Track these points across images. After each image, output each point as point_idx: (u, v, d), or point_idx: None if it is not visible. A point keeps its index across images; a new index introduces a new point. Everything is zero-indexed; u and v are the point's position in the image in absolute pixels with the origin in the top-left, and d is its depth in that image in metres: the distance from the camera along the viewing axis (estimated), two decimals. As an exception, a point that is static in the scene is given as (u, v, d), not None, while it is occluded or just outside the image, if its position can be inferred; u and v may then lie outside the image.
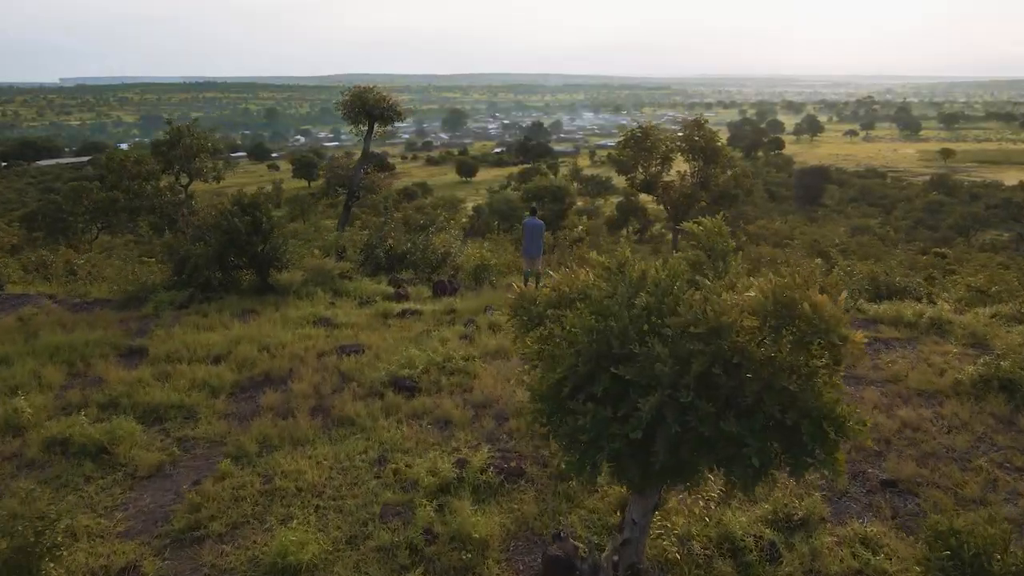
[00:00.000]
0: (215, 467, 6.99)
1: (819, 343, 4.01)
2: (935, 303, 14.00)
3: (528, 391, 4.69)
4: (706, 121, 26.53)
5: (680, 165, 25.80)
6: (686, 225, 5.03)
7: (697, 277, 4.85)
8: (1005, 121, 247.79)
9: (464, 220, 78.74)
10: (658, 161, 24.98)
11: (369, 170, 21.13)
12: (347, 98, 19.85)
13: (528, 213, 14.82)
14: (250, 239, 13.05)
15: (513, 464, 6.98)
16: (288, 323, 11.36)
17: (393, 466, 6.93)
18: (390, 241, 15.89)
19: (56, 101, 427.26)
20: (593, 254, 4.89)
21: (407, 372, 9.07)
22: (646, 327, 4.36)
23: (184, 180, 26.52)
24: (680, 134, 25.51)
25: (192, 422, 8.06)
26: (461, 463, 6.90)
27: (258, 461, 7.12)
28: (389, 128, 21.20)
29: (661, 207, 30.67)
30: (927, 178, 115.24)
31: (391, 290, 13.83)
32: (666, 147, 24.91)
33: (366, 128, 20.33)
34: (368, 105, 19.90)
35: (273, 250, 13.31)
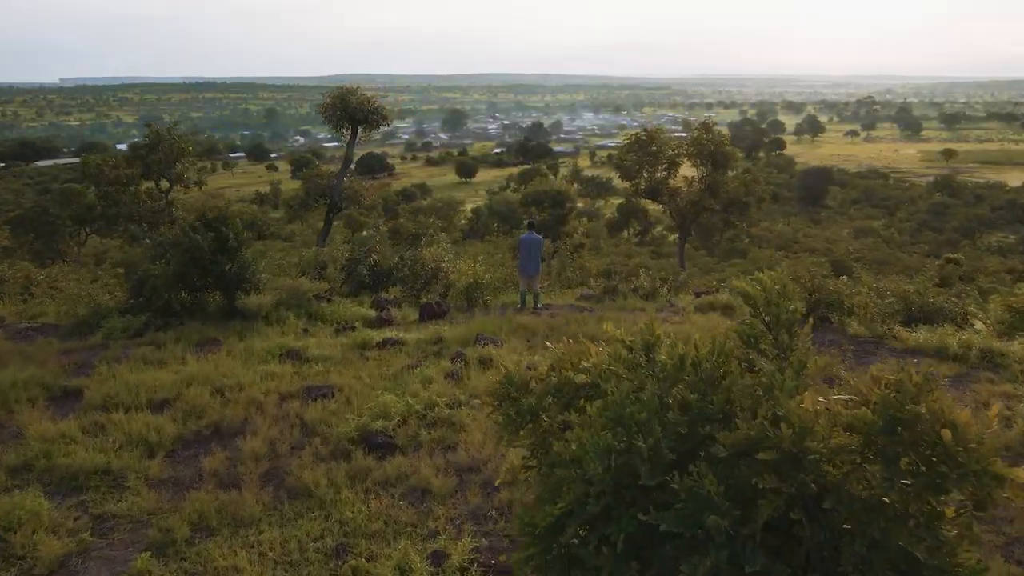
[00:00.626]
0: (132, 562, 5.62)
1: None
2: (973, 326, 12.68)
3: (519, 521, 3.32)
4: (714, 124, 25.08)
5: (687, 170, 24.44)
6: (736, 283, 3.65)
7: (752, 355, 3.48)
8: (1007, 122, 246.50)
9: (463, 222, 77.26)
10: (664, 166, 23.58)
11: (353, 178, 19.51)
12: (328, 101, 18.37)
13: (525, 227, 13.50)
14: (215, 258, 11.68)
15: (502, 558, 5.60)
16: (252, 357, 9.99)
17: (353, 562, 5.56)
18: (375, 257, 14.52)
19: (56, 101, 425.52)
20: (608, 326, 3.51)
21: (381, 424, 7.71)
22: (684, 432, 3.00)
23: (165, 185, 25.16)
24: (687, 136, 24.08)
25: (117, 492, 6.69)
26: (437, 557, 5.54)
27: (187, 551, 5.75)
28: (378, 132, 19.63)
29: (665, 211, 29.08)
30: (930, 179, 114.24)
31: (373, 314, 12.47)
32: (672, 151, 23.52)
33: (349, 133, 18.82)
34: (351, 108, 18.45)
35: (241, 270, 11.94)
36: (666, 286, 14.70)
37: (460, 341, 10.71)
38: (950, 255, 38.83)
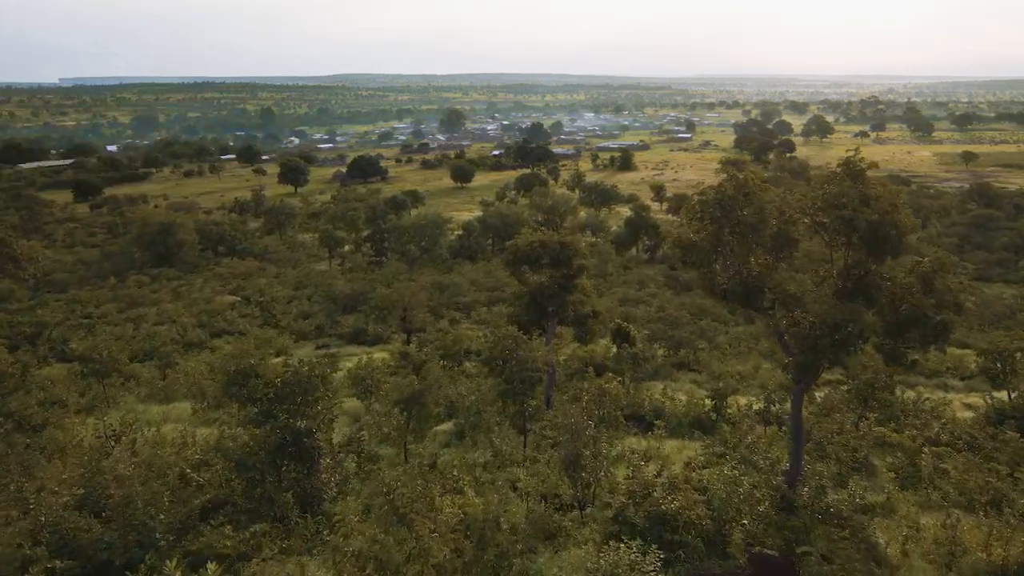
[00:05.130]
0: None
1: None
2: None
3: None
4: (868, 166, 13.14)
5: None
6: None
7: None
8: (1019, 122, 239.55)
9: (452, 238, 69.67)
10: (769, 244, 12.46)
11: None
12: None
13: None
14: None
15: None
16: None
17: None
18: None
19: (53, 102, 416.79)
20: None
21: None
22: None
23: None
24: (818, 189, 12.80)
25: None
26: None
27: None
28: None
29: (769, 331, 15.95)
30: (955, 184, 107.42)
31: None
32: (786, 217, 12.62)
33: None
34: None
35: None
36: None
37: None
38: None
